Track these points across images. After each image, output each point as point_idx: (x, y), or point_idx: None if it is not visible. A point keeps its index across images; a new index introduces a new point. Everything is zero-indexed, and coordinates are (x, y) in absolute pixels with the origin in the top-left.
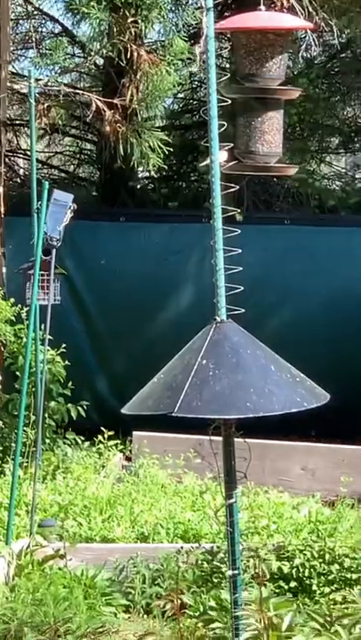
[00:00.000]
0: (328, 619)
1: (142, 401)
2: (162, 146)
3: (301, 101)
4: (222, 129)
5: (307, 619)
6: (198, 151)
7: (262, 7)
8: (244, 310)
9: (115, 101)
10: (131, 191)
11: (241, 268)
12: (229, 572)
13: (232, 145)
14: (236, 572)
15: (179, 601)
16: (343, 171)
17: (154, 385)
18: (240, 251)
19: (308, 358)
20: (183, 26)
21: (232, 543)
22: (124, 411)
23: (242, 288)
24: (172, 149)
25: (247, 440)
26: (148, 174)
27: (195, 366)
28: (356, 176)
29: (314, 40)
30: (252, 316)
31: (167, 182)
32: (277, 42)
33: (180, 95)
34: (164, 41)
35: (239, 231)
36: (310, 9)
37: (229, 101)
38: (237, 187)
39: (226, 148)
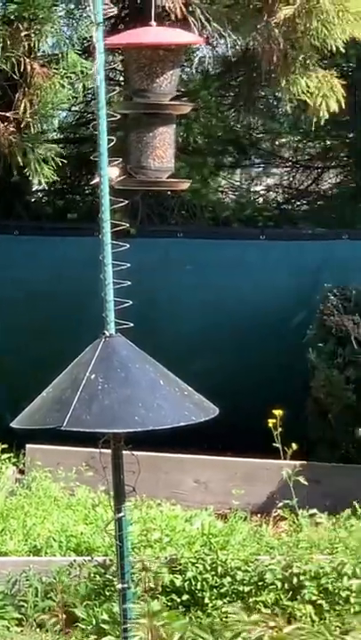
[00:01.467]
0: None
1: (32, 415)
2: (55, 158)
3: (201, 115)
4: (111, 144)
5: (198, 632)
6: (93, 164)
7: (153, 22)
8: (133, 325)
9: (8, 115)
10: (25, 204)
11: (130, 282)
12: (119, 586)
13: (122, 160)
14: (125, 585)
15: (64, 615)
16: (238, 183)
17: (43, 399)
18: (129, 265)
19: (199, 371)
20: (77, 39)
21: (121, 557)
22: (13, 424)
23: (130, 302)
24: (66, 162)
25: (140, 453)
26: (42, 187)
27: (83, 380)
28: (251, 189)
29: (208, 53)
30: (143, 329)
31: (62, 195)
32: (168, 57)
33: (75, 108)
34: (57, 54)
35: (128, 245)
36: (203, 20)
37: (118, 116)
38: (127, 201)
39: (116, 163)
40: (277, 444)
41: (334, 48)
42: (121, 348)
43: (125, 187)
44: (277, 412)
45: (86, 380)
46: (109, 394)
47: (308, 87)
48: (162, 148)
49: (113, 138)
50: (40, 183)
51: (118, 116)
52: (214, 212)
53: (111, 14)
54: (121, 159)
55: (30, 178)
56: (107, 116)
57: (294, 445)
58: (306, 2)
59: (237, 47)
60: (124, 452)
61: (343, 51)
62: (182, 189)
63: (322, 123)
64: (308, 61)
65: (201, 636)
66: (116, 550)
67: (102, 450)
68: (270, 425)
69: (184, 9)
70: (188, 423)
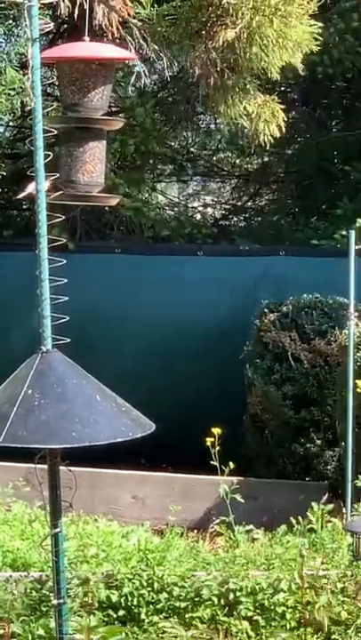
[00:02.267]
0: None
1: None
2: None
3: (137, 131)
4: (48, 159)
5: None
6: (29, 180)
7: (86, 37)
8: (69, 340)
9: None
10: None
11: (67, 298)
12: (55, 601)
13: (57, 175)
14: (61, 600)
15: (9, 629)
16: (176, 200)
17: None
18: (65, 280)
19: (137, 388)
20: (15, 55)
21: (57, 572)
22: None
23: (67, 318)
24: (2, 178)
25: (77, 469)
26: None
27: (20, 396)
28: (189, 205)
29: (144, 71)
30: (80, 345)
31: None
32: (100, 72)
33: (12, 124)
34: None
35: (65, 261)
36: (140, 40)
37: (55, 131)
38: (63, 217)
39: (53, 178)
40: (215, 462)
41: (274, 75)
42: (58, 363)
43: (55, 201)
44: (216, 431)
45: (23, 395)
46: (46, 409)
47: (248, 112)
48: (92, 163)
49: (50, 153)
50: None
51: (55, 132)
52: (153, 229)
53: (47, 30)
54: (58, 174)
55: None
56: (43, 131)
57: (231, 464)
58: (246, 27)
59: (175, 67)
60: (61, 467)
61: (279, 77)
62: (112, 204)
63: (266, 146)
64: (247, 86)
65: None
66: (52, 566)
67: (39, 465)
68: (208, 444)
69: (120, 28)
70: (125, 439)
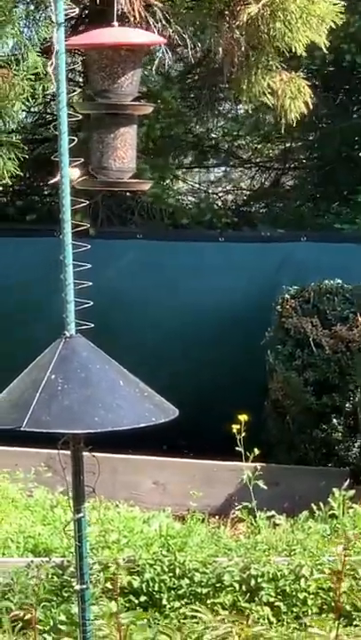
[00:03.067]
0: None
1: None
2: (18, 155)
3: (163, 115)
4: (72, 144)
5: (156, 633)
6: (52, 165)
7: (115, 23)
8: (93, 325)
9: None
10: None
11: (91, 283)
12: (77, 587)
13: (83, 160)
14: (84, 586)
15: (35, 612)
16: (197, 185)
17: (2, 399)
18: (90, 265)
19: (159, 373)
20: (38, 40)
21: (80, 557)
22: None
23: (92, 303)
24: (25, 163)
25: (98, 454)
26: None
27: (43, 381)
28: (210, 191)
29: (168, 55)
30: (103, 330)
31: (21, 196)
32: (129, 58)
33: (35, 109)
34: (17, 55)
35: (89, 246)
36: (163, 22)
37: (80, 116)
38: (87, 202)
39: (77, 163)
40: (240, 448)
41: (298, 51)
42: (81, 348)
43: (87, 187)
44: (242, 417)
45: (46, 380)
46: (69, 394)
47: (271, 89)
48: (123, 149)
49: (74, 138)
50: (2, 179)
51: (80, 117)
52: (174, 216)
53: (72, 15)
54: (82, 160)
55: None
56: (67, 117)
57: (256, 450)
58: (270, 4)
59: (198, 49)
60: (83, 453)
61: (306, 54)
62: (143, 190)
63: (293, 124)
64: (270, 62)
65: (167, 633)
66: (75, 551)
67: (62, 451)
68: (234, 430)
69: (143, 11)
70: (148, 424)
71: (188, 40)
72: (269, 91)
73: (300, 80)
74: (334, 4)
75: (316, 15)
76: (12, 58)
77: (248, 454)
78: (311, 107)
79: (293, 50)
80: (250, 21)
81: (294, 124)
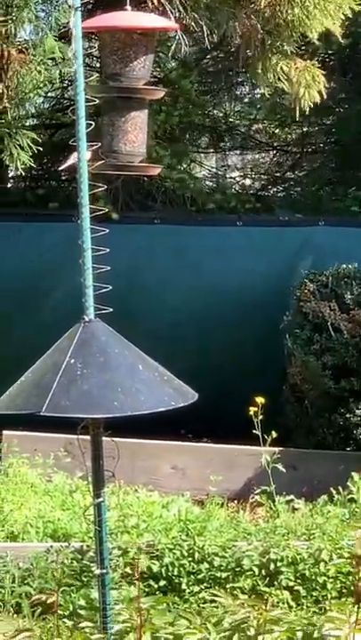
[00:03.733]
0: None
1: (10, 400)
2: (31, 145)
3: (181, 102)
4: (90, 128)
5: (175, 617)
6: (70, 150)
7: (128, 7)
8: (112, 309)
9: None
10: (2, 191)
11: (110, 267)
12: (97, 571)
13: (98, 144)
14: (104, 570)
15: (55, 597)
16: (214, 170)
17: (22, 384)
18: (108, 250)
19: (178, 357)
20: (54, 25)
21: (100, 542)
22: None
23: (110, 287)
24: (41, 149)
25: (117, 439)
26: (18, 174)
27: (63, 365)
28: (227, 175)
29: (184, 40)
30: (122, 314)
31: (38, 182)
32: (142, 42)
33: (52, 94)
34: (34, 40)
35: (107, 230)
36: (180, 9)
37: (98, 101)
38: (105, 186)
39: (93, 147)
40: (257, 432)
41: (314, 37)
42: (100, 332)
43: (96, 171)
44: (259, 400)
45: (65, 364)
46: (88, 379)
47: (286, 75)
48: (134, 133)
49: (92, 122)
50: (17, 169)
51: (97, 101)
52: (196, 201)
53: None
54: (100, 144)
55: (7, 166)
56: (85, 101)
57: (274, 433)
58: None
59: (215, 34)
60: (103, 437)
61: (322, 41)
62: (153, 174)
63: (306, 112)
64: (286, 47)
65: (186, 617)
66: (94, 535)
67: (81, 436)
68: (251, 413)
69: None
70: (168, 408)
71: (204, 26)
72: (285, 77)
73: (315, 69)
74: None
75: (334, 1)
76: (30, 42)
77: (266, 437)
78: (325, 95)
79: (310, 36)
80: (267, 7)
81: (310, 110)
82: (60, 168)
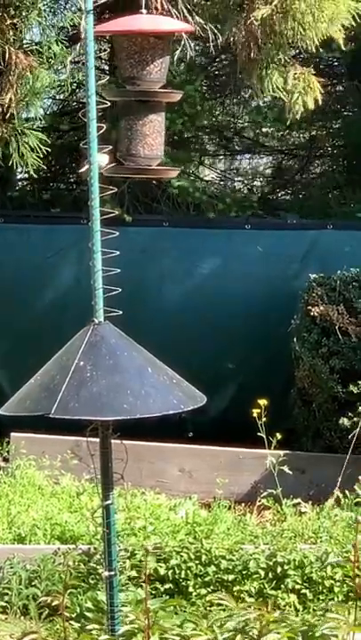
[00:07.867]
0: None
1: (20, 402)
2: (40, 147)
3: (185, 108)
4: (101, 131)
5: (183, 620)
6: (78, 153)
7: (144, 10)
8: (121, 312)
9: None
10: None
11: (119, 270)
12: (105, 573)
13: (111, 147)
14: (112, 572)
15: (62, 599)
16: (221, 174)
17: (31, 386)
18: (118, 252)
19: (184, 360)
20: (62, 28)
21: (108, 544)
22: (0, 411)
23: (120, 290)
24: (50, 151)
25: (125, 442)
26: (26, 176)
27: (72, 367)
28: (235, 179)
29: (189, 44)
30: (130, 316)
31: (46, 184)
32: (158, 45)
33: (60, 97)
34: (42, 43)
35: (117, 233)
36: (185, 13)
37: (108, 104)
38: (115, 189)
39: (105, 150)
40: (262, 434)
41: (312, 47)
42: (110, 335)
43: (115, 174)
44: (262, 402)
45: (75, 367)
46: (97, 381)
47: (284, 84)
48: (152, 136)
49: (103, 125)
50: (26, 171)
51: (108, 104)
52: (199, 207)
53: (102, 1)
54: (111, 147)
55: (15, 168)
56: (96, 104)
57: (279, 435)
58: (282, 3)
59: (219, 40)
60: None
61: (320, 50)
62: (172, 177)
63: (298, 117)
64: (281, 57)
65: (193, 620)
66: (102, 537)
67: (90, 438)
68: (255, 415)
69: (166, 3)
70: (177, 411)
71: (209, 32)
72: (282, 86)
73: (310, 76)
74: (357, 1)
75: (327, 14)
76: (39, 46)
77: (272, 440)
78: (320, 103)
79: (308, 46)
80: (264, 19)
81: (317, 114)
82: (80, 171)
